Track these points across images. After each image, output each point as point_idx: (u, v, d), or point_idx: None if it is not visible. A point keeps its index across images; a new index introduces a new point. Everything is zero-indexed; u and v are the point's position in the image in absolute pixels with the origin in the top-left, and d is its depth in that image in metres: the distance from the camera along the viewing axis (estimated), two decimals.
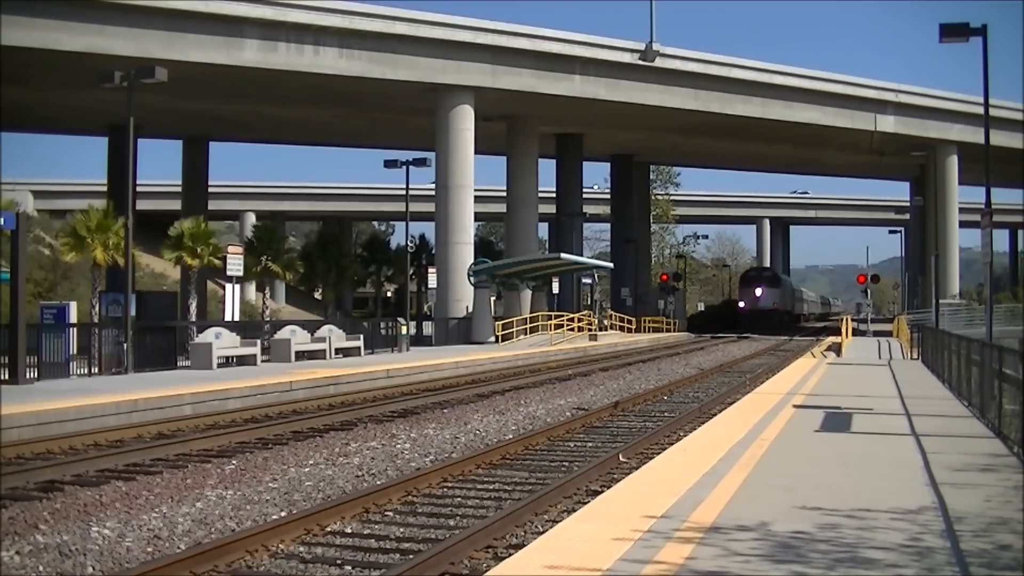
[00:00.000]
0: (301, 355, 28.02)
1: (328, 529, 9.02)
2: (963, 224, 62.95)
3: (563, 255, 44.86)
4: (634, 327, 55.24)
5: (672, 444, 12.52)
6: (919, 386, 19.89)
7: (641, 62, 46.37)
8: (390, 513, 9.78)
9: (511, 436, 15.06)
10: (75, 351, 22.67)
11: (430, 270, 46.49)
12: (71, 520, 9.10)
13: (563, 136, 55.55)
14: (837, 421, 13.46)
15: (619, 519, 7.24)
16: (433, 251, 47.62)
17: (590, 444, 14.53)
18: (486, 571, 6.77)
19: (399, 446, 13.92)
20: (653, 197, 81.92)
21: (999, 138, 40.52)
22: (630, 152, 64.58)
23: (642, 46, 46.35)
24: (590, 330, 46.78)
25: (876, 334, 51.36)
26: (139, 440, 14.60)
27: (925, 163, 59.12)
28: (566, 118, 50.76)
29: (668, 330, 60.27)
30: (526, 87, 43.69)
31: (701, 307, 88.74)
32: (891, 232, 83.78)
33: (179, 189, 58.05)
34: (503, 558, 7.32)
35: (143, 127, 37.76)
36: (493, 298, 42.30)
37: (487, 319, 40.26)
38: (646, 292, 68.59)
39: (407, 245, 45.63)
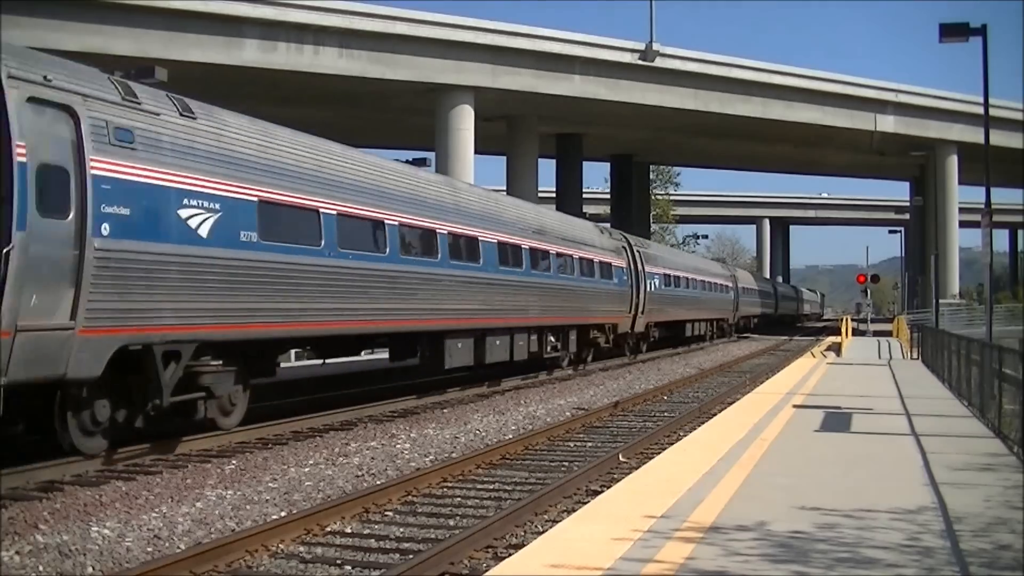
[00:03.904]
0: (301, 354, 27.96)
1: (328, 529, 9.02)
2: (963, 224, 63.00)
3: None
4: None
5: (672, 444, 12.52)
6: (919, 386, 19.89)
7: (641, 62, 46.35)
8: (390, 513, 9.78)
9: (511, 436, 15.05)
10: None
11: None
12: (71, 520, 9.09)
13: (563, 136, 55.51)
14: (837, 421, 13.46)
15: (619, 519, 7.24)
16: None
17: (590, 444, 14.53)
18: (486, 571, 6.77)
19: (399, 446, 13.91)
20: (653, 197, 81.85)
21: (999, 138, 40.57)
22: (630, 152, 64.53)
23: (642, 46, 46.34)
24: None
25: (876, 334, 51.35)
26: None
27: (925, 163, 59.17)
28: (566, 118, 50.73)
29: None
30: (526, 87, 43.67)
31: None
32: (891, 232, 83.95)
33: None
34: (503, 558, 7.33)
35: None
36: None
37: None
38: None
39: None
